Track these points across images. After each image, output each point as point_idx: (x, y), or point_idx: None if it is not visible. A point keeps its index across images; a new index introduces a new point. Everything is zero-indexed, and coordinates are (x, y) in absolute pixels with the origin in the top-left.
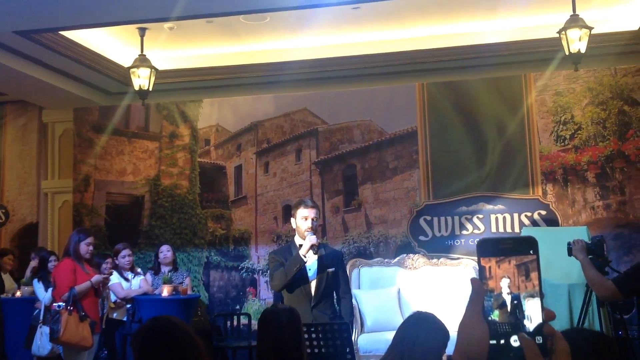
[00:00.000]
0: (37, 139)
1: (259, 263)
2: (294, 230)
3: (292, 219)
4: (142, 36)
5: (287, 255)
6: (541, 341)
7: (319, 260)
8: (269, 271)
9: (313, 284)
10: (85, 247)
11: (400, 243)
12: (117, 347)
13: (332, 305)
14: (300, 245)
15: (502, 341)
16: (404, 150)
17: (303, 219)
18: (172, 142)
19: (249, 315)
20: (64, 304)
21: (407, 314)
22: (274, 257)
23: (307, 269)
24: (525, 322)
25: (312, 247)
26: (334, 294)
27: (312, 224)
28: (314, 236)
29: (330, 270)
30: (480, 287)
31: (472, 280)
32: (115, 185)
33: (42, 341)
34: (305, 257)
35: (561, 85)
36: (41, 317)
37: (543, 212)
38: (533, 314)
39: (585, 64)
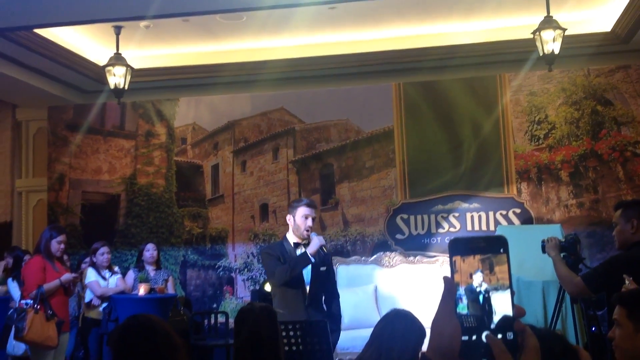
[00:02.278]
0: (11, 137)
1: (236, 262)
2: (279, 227)
3: (290, 216)
4: (117, 34)
5: (282, 251)
6: (512, 337)
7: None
8: (266, 267)
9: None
10: (56, 245)
11: (377, 241)
12: (90, 346)
13: (321, 305)
14: (295, 243)
15: (474, 337)
16: (380, 149)
17: (304, 217)
18: (148, 141)
19: (226, 314)
20: (31, 301)
21: (384, 312)
22: (269, 252)
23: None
24: (493, 314)
25: (320, 247)
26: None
27: (312, 223)
28: (321, 237)
29: (322, 269)
30: (452, 285)
31: (445, 279)
32: (90, 184)
33: (16, 341)
34: (313, 257)
35: (535, 85)
36: (15, 317)
37: (517, 211)
38: (500, 308)
39: (559, 65)
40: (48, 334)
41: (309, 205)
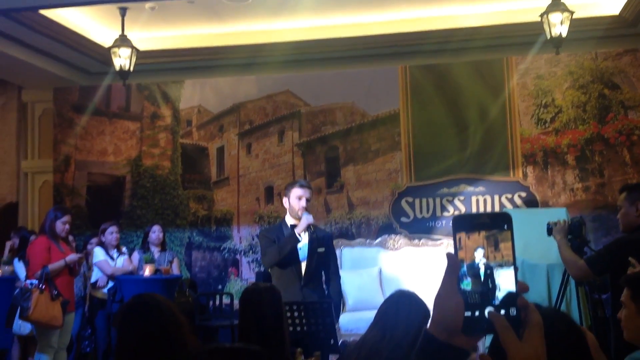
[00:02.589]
0: (17, 118)
1: (241, 244)
2: (284, 209)
3: (285, 198)
4: (123, 16)
5: (279, 233)
6: (515, 313)
7: (311, 240)
8: (260, 248)
9: (303, 264)
10: (61, 226)
11: (382, 224)
12: (97, 326)
13: (320, 286)
14: (292, 225)
15: (477, 313)
16: (386, 132)
17: (297, 198)
18: (153, 123)
19: (231, 295)
20: (36, 281)
21: (388, 294)
22: (265, 234)
23: (299, 248)
24: (496, 290)
25: (308, 226)
26: (323, 275)
27: (306, 204)
28: (311, 216)
29: (320, 250)
30: (456, 261)
31: (448, 254)
32: (96, 165)
33: (22, 320)
34: (300, 236)
35: (542, 68)
36: (21, 297)
37: (523, 194)
38: (505, 283)
39: (567, 48)
40: (53, 313)
41: (302, 186)
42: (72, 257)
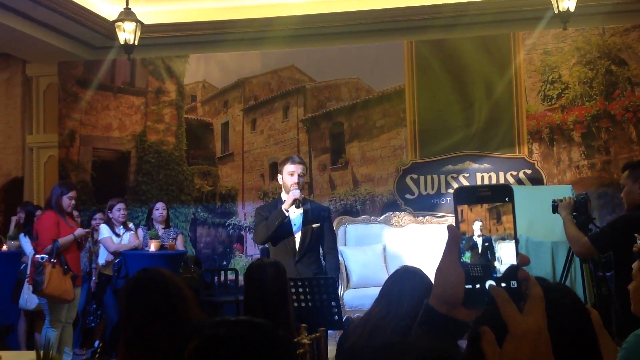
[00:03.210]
0: (22, 93)
1: (245, 220)
2: (282, 187)
3: (279, 175)
4: None
5: (273, 210)
6: (516, 285)
7: (304, 215)
8: (254, 226)
9: (297, 239)
10: (67, 201)
11: (387, 201)
12: (107, 303)
13: (317, 261)
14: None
15: (478, 286)
16: (391, 108)
17: (289, 174)
18: (158, 98)
19: (236, 271)
20: (46, 256)
21: (392, 271)
22: (260, 212)
23: (292, 223)
24: (496, 264)
25: (294, 201)
26: (320, 250)
27: (298, 179)
28: (298, 191)
29: (315, 225)
30: (457, 233)
31: (449, 227)
32: (101, 140)
33: (29, 295)
34: (287, 211)
35: (549, 44)
36: (28, 271)
37: (528, 171)
38: (505, 256)
39: (574, 23)
40: (65, 287)
41: (293, 161)
42: (80, 231)
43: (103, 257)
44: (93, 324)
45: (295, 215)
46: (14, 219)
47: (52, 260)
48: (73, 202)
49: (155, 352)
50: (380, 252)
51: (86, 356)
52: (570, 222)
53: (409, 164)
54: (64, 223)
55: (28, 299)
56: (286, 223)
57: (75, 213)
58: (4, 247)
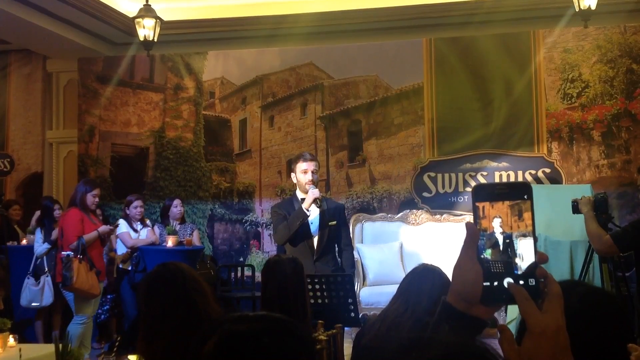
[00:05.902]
0: (42, 88)
1: (262, 216)
2: (296, 185)
3: (292, 174)
4: None
5: (290, 208)
6: (534, 283)
7: (321, 214)
8: (272, 225)
9: (315, 238)
10: (91, 199)
11: (404, 199)
12: (124, 297)
13: (334, 258)
14: (303, 199)
15: (496, 283)
16: (409, 106)
17: (303, 172)
18: (176, 94)
19: (252, 267)
20: (72, 252)
21: (409, 269)
22: (277, 210)
23: (310, 222)
24: (517, 260)
25: (315, 200)
26: (336, 247)
27: (312, 176)
28: (317, 190)
29: (332, 223)
30: (475, 230)
31: (467, 224)
32: (120, 136)
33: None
34: (308, 210)
35: (570, 42)
36: (45, 267)
37: (547, 170)
38: (525, 253)
39: (595, 22)
40: (92, 282)
41: (305, 159)
42: (104, 228)
43: (121, 250)
44: (103, 317)
45: (313, 214)
46: (37, 213)
47: (79, 256)
48: (97, 199)
49: (174, 346)
50: (397, 250)
51: (104, 350)
52: (591, 219)
53: (427, 162)
54: (88, 220)
55: (44, 295)
56: (305, 223)
57: (97, 211)
58: (24, 241)
